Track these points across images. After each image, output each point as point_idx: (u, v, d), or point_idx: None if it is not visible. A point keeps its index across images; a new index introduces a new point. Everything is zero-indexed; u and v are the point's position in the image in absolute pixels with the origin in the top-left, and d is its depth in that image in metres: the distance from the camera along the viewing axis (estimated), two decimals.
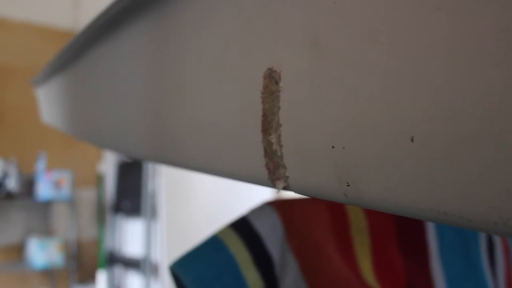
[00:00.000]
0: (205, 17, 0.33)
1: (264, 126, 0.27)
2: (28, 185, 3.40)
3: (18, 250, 3.45)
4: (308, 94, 0.24)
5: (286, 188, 0.26)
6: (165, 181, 2.69)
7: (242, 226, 0.52)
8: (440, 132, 0.18)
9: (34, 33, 3.59)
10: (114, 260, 3.21)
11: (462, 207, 0.17)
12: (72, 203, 3.47)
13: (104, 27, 0.52)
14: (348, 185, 0.22)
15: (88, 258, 3.68)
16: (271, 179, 0.27)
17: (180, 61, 0.37)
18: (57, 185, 3.35)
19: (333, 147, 0.23)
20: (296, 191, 0.26)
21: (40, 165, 3.33)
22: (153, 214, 2.79)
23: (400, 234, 0.57)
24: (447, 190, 0.18)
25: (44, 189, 3.32)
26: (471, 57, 0.17)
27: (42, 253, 3.27)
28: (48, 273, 3.52)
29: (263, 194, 2.14)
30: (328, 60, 0.23)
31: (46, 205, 3.54)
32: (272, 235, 0.52)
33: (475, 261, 0.57)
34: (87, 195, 3.70)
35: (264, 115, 0.27)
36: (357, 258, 0.54)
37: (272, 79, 0.26)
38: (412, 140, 0.19)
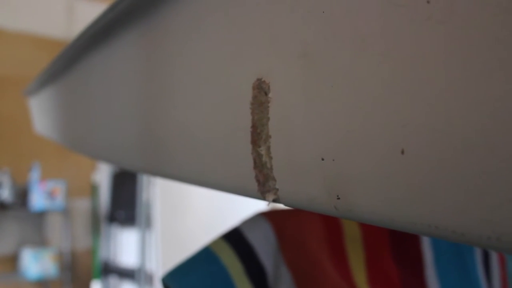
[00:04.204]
0: (194, 28, 0.33)
1: (254, 137, 0.27)
2: (22, 195, 3.38)
3: (12, 261, 3.43)
4: (298, 105, 0.24)
5: (276, 200, 0.26)
6: (160, 191, 2.68)
7: (235, 238, 0.51)
8: (431, 144, 0.18)
9: (28, 43, 3.58)
10: (109, 270, 3.19)
11: (454, 221, 0.17)
12: (66, 213, 3.45)
13: (94, 37, 0.51)
14: (338, 198, 0.22)
15: (82, 268, 3.65)
16: (261, 192, 0.26)
17: (169, 71, 0.37)
18: (51, 195, 3.33)
19: (322, 159, 0.22)
20: (286, 204, 0.25)
21: (34, 175, 3.31)
22: (147, 224, 2.77)
23: (395, 244, 0.56)
24: (438, 203, 0.17)
25: (38, 199, 3.30)
26: (463, 67, 0.17)
27: (36, 263, 3.25)
28: (42, 284, 3.49)
29: (258, 204, 2.13)
30: (318, 70, 0.23)
31: (40, 215, 3.52)
32: (265, 247, 0.51)
33: (471, 271, 0.57)
34: (82, 205, 3.68)
35: (254, 127, 0.27)
36: (351, 269, 0.54)
37: (261, 89, 0.26)
38: (402, 152, 0.19)
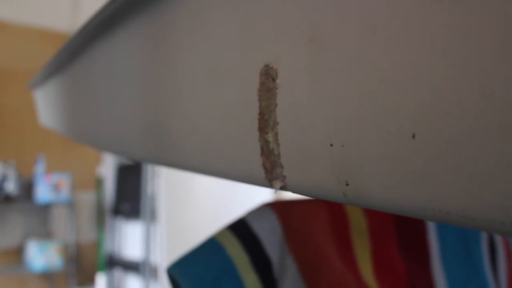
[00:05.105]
0: (200, 14, 0.32)
1: (261, 124, 0.26)
2: (27, 188, 3.39)
3: (17, 253, 3.44)
4: (306, 91, 0.23)
5: (283, 188, 0.25)
6: (165, 184, 2.68)
7: (241, 228, 0.51)
8: (442, 128, 0.17)
9: (33, 36, 3.59)
10: (114, 263, 3.20)
11: (466, 206, 0.17)
12: (71, 206, 3.46)
13: (99, 27, 0.51)
14: (347, 184, 0.21)
15: (87, 261, 3.66)
16: (268, 179, 0.26)
17: (175, 59, 0.37)
18: (56, 188, 3.34)
19: (331, 145, 0.22)
20: (293, 191, 0.25)
21: (39, 168, 3.32)
22: (152, 217, 2.78)
23: (401, 236, 0.56)
24: (450, 188, 0.17)
25: (43, 192, 3.31)
26: (474, 50, 0.16)
27: (41, 256, 3.26)
28: (47, 276, 3.51)
29: (262, 195, 2.13)
30: (326, 55, 0.22)
31: (45, 208, 3.53)
32: (271, 237, 0.51)
33: (477, 263, 0.57)
34: (87, 198, 3.69)
35: (261, 113, 0.26)
36: (357, 260, 0.54)
37: (268, 76, 0.26)
38: (413, 137, 0.18)
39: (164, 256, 2.63)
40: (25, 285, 3.48)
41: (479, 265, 0.57)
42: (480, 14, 0.16)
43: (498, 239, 0.59)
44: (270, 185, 0.26)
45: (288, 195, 0.30)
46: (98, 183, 3.61)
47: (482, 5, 0.16)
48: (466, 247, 0.57)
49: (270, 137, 0.26)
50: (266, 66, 0.26)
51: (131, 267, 3.00)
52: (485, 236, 0.58)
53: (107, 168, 3.39)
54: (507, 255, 0.59)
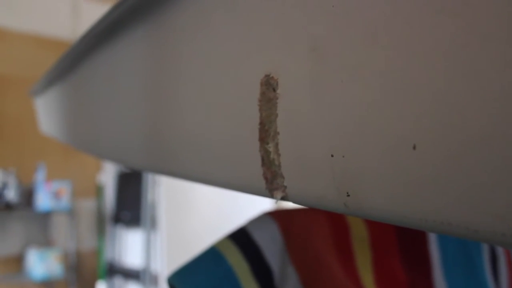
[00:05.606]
0: (201, 24, 0.32)
1: (262, 134, 0.26)
2: (28, 195, 3.38)
3: (17, 261, 3.43)
4: (307, 101, 0.23)
5: (284, 198, 0.25)
6: (165, 192, 2.68)
7: (241, 237, 0.51)
8: (443, 138, 0.17)
9: (33, 44, 3.59)
10: (114, 271, 3.20)
11: (467, 218, 0.17)
12: (71, 213, 3.46)
13: (100, 36, 0.51)
14: (348, 195, 0.21)
15: (87, 269, 3.65)
16: (269, 189, 0.26)
17: (175, 69, 0.37)
18: (56, 195, 3.33)
19: (332, 155, 0.22)
20: (294, 201, 0.25)
21: (40, 176, 3.32)
22: (153, 225, 2.78)
23: (402, 245, 0.56)
24: (451, 199, 0.17)
25: (43, 200, 3.31)
26: (475, 61, 0.16)
27: (41, 264, 3.25)
28: (47, 284, 3.50)
29: (263, 204, 2.13)
30: (327, 65, 0.22)
31: (46, 216, 3.53)
32: (271, 246, 0.51)
33: (478, 273, 0.56)
34: (87, 206, 3.69)
35: (262, 123, 0.26)
36: (358, 269, 0.53)
37: (269, 86, 0.26)
38: (414, 147, 0.18)
39: (165, 264, 2.63)
40: None
41: (481, 275, 0.56)
42: (482, 24, 0.16)
43: (500, 250, 0.59)
44: (271, 195, 0.26)
45: (289, 204, 0.30)
46: (99, 191, 3.61)
47: (484, 14, 0.16)
48: (468, 257, 0.57)
49: (270, 147, 0.26)
50: (267, 76, 0.26)
51: (132, 275, 3.00)
52: (486, 246, 0.58)
53: (108, 176, 3.39)
54: (508, 265, 0.59)
